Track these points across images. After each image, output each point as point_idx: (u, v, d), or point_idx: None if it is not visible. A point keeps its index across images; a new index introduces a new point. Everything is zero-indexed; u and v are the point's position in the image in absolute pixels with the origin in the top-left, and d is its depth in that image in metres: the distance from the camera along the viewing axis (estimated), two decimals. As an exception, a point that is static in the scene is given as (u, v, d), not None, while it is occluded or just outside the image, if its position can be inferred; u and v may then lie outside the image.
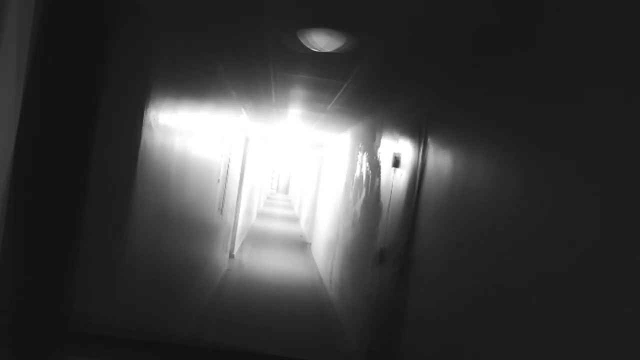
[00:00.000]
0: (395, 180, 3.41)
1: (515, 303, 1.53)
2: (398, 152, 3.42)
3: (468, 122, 2.21)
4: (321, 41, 2.58)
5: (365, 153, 4.87)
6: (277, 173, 32.60)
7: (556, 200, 1.38)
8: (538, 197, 1.49)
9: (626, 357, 1.04)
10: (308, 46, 2.68)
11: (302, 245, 10.21)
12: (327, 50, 2.71)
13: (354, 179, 5.33)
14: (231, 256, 7.26)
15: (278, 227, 13.13)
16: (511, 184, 1.68)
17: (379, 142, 4.22)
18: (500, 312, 1.62)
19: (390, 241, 3.28)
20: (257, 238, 10.18)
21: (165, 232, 2.58)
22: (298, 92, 4.32)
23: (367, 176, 4.55)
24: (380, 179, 3.94)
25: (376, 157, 4.26)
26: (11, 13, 1.21)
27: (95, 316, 1.78)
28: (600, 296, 1.14)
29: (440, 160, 2.50)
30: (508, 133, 1.78)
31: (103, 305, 1.84)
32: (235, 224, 7.18)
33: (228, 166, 5.06)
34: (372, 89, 3.73)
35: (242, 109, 5.68)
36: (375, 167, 4.25)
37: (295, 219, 15.94)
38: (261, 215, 15.07)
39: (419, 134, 2.94)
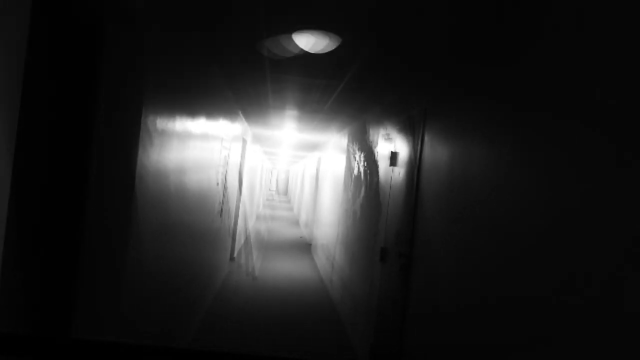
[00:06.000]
0: (393, 179, 3.42)
1: (518, 300, 1.53)
2: (395, 150, 3.42)
3: (463, 118, 2.22)
4: (315, 43, 2.59)
5: (362, 152, 4.88)
6: (275, 174, 32.60)
7: (557, 195, 1.39)
8: (540, 191, 1.49)
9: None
10: (303, 48, 2.69)
11: (302, 246, 10.22)
12: (321, 52, 2.71)
13: (353, 178, 5.34)
14: (231, 259, 7.26)
15: (278, 228, 13.14)
16: (511, 177, 1.69)
17: (376, 140, 4.23)
18: (503, 307, 1.63)
19: (391, 239, 3.28)
20: (257, 240, 10.18)
21: (166, 237, 2.58)
22: (294, 94, 4.33)
23: (366, 175, 4.56)
24: (378, 178, 3.95)
25: (374, 156, 4.26)
26: (2, 25, 1.22)
27: (98, 322, 1.78)
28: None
29: (437, 157, 2.51)
30: (502, 126, 1.78)
31: (106, 311, 1.84)
32: (235, 226, 7.18)
33: (227, 169, 5.06)
34: (367, 88, 3.74)
35: (240, 111, 5.68)
36: (373, 165, 4.25)
37: (294, 220, 15.94)
38: (261, 217, 15.08)
39: (415, 131, 2.95)
